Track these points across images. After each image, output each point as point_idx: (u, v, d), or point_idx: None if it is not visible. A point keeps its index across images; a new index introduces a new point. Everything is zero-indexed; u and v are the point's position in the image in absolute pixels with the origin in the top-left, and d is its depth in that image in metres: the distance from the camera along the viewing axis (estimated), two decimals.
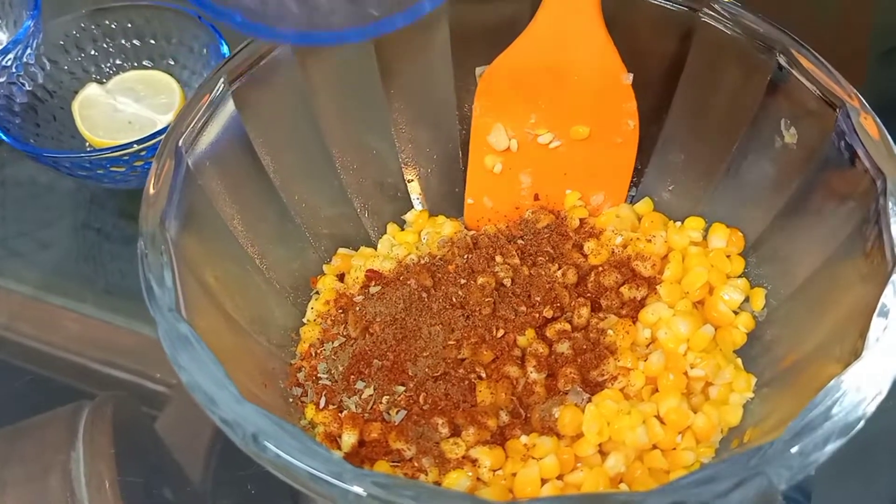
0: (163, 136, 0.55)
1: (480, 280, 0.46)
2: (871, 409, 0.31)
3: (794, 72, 0.42)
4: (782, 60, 0.43)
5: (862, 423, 0.30)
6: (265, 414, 0.30)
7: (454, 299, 0.46)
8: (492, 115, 0.50)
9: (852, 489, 0.49)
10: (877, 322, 0.33)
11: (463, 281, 0.46)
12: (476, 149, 0.51)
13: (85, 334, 0.60)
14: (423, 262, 0.49)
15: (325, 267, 0.52)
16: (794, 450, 0.29)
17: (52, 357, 0.58)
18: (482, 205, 0.53)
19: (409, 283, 0.47)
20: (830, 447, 0.29)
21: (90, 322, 0.60)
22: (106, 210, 0.66)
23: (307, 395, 0.45)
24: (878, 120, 0.39)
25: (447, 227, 0.52)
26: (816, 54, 0.42)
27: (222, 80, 0.44)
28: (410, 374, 0.44)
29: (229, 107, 0.44)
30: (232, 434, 0.30)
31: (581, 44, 0.46)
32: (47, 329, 0.60)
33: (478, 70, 0.50)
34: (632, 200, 0.53)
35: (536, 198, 0.52)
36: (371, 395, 0.43)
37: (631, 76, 0.47)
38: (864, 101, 0.39)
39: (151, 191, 0.38)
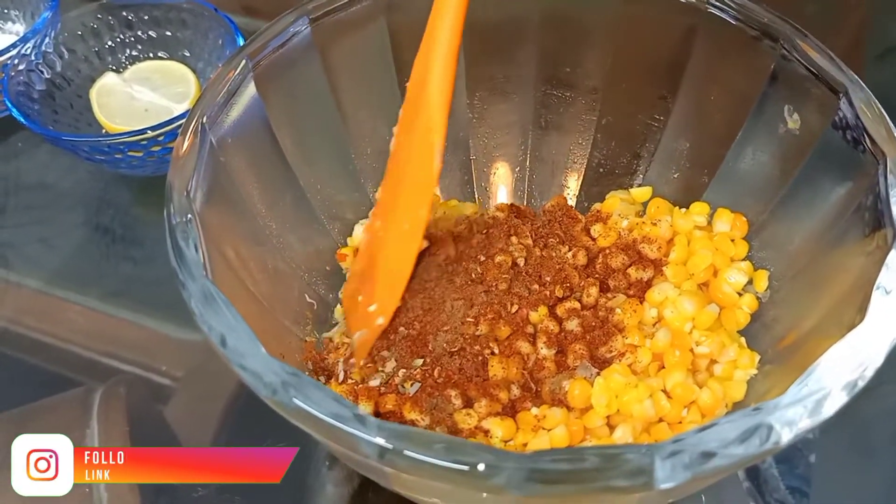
0: (180, 123, 0.58)
1: (498, 258, 0.47)
2: (869, 373, 0.32)
3: (796, 59, 0.43)
4: (785, 48, 0.44)
5: (861, 384, 0.31)
6: (291, 370, 0.31)
7: (473, 275, 0.47)
8: None
9: (851, 478, 0.50)
10: (875, 295, 0.34)
11: (482, 258, 0.48)
12: None
13: (91, 327, 0.61)
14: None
15: (349, 239, 0.53)
16: (797, 406, 0.30)
17: (59, 350, 0.59)
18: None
19: (437, 254, 0.48)
20: (831, 404, 0.30)
21: (97, 315, 0.61)
22: (116, 204, 0.67)
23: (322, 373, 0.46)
24: (878, 103, 0.40)
25: (468, 208, 0.53)
26: (818, 42, 0.43)
27: (244, 61, 0.45)
28: (430, 348, 0.45)
29: (251, 88, 0.46)
30: (259, 387, 0.31)
31: None
32: (54, 322, 0.61)
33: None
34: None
35: None
36: (394, 368, 0.44)
37: None
38: (864, 85, 0.41)
39: (178, 162, 0.39)
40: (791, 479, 0.49)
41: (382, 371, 0.45)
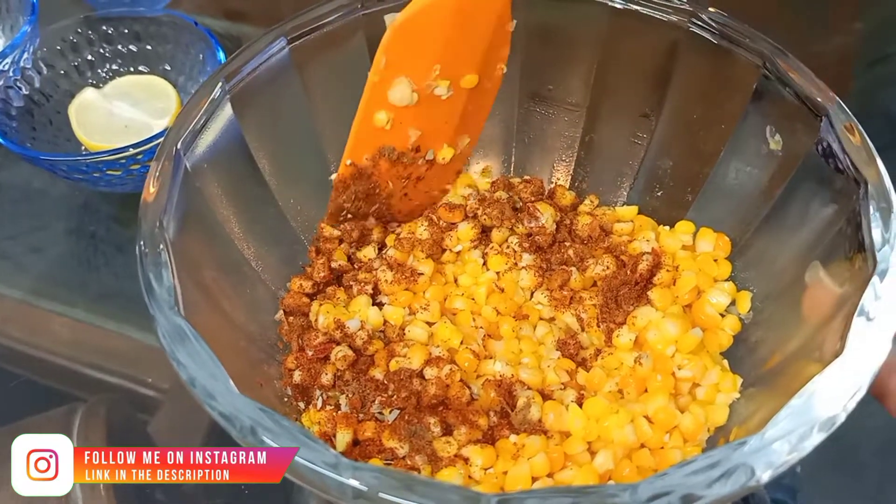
0: (159, 140, 0.57)
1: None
2: (851, 405, 0.31)
3: (779, 80, 0.43)
4: (768, 69, 0.44)
5: (843, 418, 0.31)
6: (262, 408, 0.31)
7: None
8: (397, 68, 0.45)
9: (837, 490, 0.50)
10: (857, 322, 0.34)
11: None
12: (370, 104, 0.47)
13: (76, 339, 0.60)
14: None
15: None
16: (776, 443, 0.30)
17: (44, 361, 0.58)
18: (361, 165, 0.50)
19: None
20: (812, 441, 0.30)
21: (82, 327, 0.61)
22: (99, 215, 0.67)
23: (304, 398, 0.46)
24: (860, 126, 0.40)
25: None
26: (800, 63, 0.43)
27: (220, 84, 0.44)
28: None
29: (227, 111, 0.45)
30: (230, 427, 0.30)
31: None
32: (39, 333, 0.60)
33: (388, 17, 0.44)
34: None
35: (417, 150, 0.50)
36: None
37: (514, 23, 0.46)
38: (846, 108, 0.41)
39: (150, 191, 0.39)
40: (777, 492, 0.49)
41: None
